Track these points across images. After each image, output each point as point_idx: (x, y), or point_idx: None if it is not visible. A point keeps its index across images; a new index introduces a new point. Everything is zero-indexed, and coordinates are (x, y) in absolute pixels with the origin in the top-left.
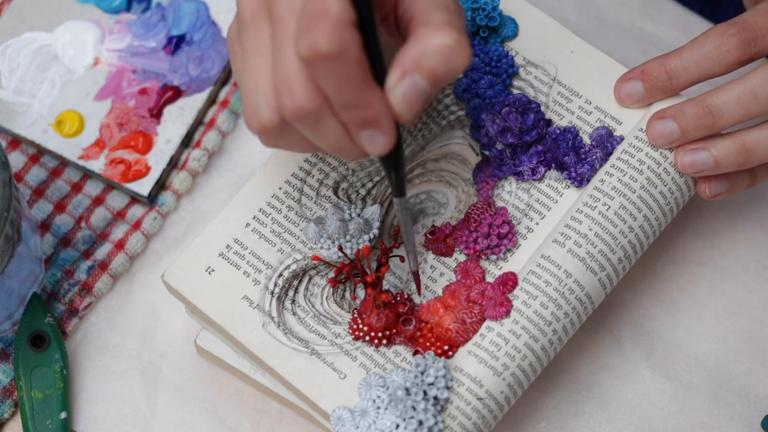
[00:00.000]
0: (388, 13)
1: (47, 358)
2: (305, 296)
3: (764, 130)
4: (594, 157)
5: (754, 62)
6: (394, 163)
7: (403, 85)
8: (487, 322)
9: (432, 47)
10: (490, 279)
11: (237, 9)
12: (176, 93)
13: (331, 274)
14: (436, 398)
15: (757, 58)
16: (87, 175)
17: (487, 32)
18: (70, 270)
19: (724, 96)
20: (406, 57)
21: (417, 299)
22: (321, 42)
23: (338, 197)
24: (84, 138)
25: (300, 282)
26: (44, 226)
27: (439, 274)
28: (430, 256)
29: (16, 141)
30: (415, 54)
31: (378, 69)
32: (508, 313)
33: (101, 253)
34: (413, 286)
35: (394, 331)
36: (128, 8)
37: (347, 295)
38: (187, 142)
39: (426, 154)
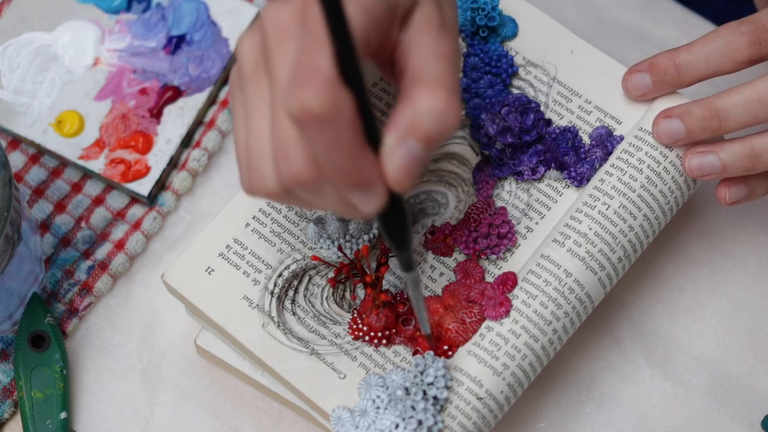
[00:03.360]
0: (387, 59)
1: (47, 358)
2: (305, 296)
3: None
4: (594, 156)
5: (765, 64)
6: (399, 237)
7: (400, 153)
8: (487, 322)
9: (424, 110)
10: (489, 279)
11: (237, 56)
12: (176, 93)
13: (331, 274)
14: (435, 398)
15: None
16: (87, 175)
17: (487, 32)
18: (70, 270)
19: (733, 99)
20: (400, 121)
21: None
22: (311, 101)
23: None
24: (84, 138)
25: (300, 282)
26: (44, 226)
27: (439, 273)
28: (430, 256)
29: (16, 141)
30: (408, 118)
31: (370, 129)
32: (507, 313)
33: (101, 253)
34: None
35: (394, 330)
36: (128, 8)
37: (347, 295)
38: (187, 142)
39: None
